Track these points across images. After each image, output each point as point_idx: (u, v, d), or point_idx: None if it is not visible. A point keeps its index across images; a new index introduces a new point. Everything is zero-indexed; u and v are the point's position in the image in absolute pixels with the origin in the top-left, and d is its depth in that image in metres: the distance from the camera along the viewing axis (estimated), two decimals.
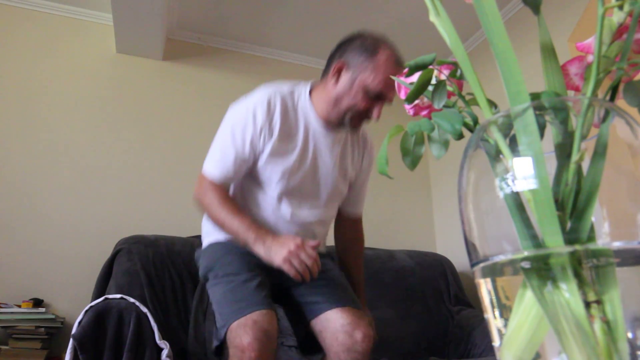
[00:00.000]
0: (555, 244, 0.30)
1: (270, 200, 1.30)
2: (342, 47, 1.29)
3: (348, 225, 1.54)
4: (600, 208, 0.31)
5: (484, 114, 0.37)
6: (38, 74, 2.20)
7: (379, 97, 1.21)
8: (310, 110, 1.30)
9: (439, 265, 2.33)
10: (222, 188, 1.27)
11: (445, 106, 0.42)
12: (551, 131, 0.34)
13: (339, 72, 1.25)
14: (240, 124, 1.25)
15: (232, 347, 1.08)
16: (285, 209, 1.30)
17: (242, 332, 1.06)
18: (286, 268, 1.12)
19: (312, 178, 1.32)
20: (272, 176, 1.28)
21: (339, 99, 1.24)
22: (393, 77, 1.08)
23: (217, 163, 1.27)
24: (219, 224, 1.24)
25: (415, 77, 0.42)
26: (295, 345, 1.51)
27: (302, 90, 1.33)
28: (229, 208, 1.22)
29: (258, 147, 1.25)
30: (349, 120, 1.25)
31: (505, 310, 0.33)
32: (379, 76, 1.19)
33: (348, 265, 1.51)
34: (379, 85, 1.19)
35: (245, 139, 1.24)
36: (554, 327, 0.29)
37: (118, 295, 1.30)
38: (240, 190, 1.35)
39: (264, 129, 1.24)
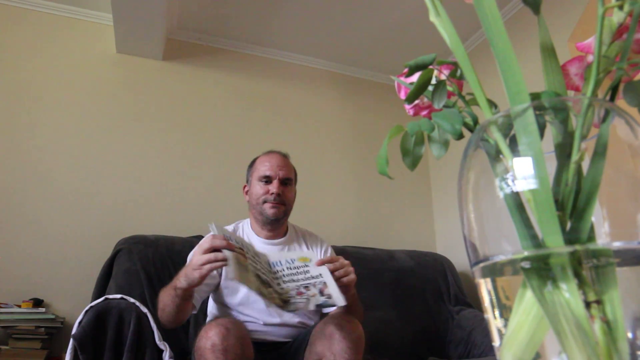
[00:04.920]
0: (555, 244, 0.30)
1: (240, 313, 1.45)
2: None
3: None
4: (600, 208, 0.31)
5: (484, 114, 0.37)
6: (38, 74, 2.19)
7: (269, 178, 1.52)
8: (251, 233, 1.57)
9: (439, 265, 2.33)
10: None
11: (445, 106, 0.42)
12: (551, 131, 0.34)
13: (246, 192, 1.61)
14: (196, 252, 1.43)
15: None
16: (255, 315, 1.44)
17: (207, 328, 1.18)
18: (205, 271, 1.13)
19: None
20: (232, 297, 1.44)
21: (252, 202, 1.55)
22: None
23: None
24: (168, 303, 1.25)
25: (415, 77, 0.42)
26: None
27: (245, 221, 1.63)
28: (165, 287, 1.30)
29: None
30: (266, 210, 1.50)
31: (505, 310, 0.33)
32: (261, 166, 1.54)
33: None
34: (263, 170, 1.52)
35: None
36: (554, 327, 0.29)
37: (118, 296, 1.30)
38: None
39: None
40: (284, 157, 1.60)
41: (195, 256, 1.15)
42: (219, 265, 1.12)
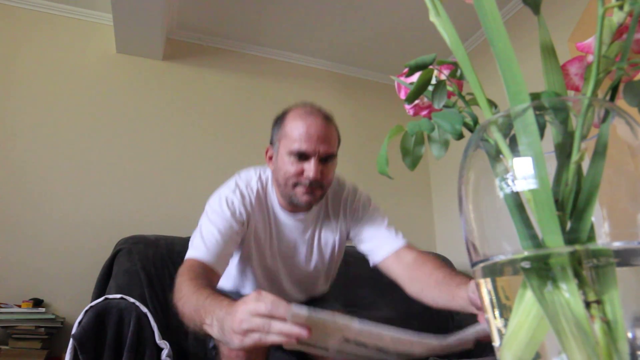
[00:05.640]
0: (555, 244, 0.30)
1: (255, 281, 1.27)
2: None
3: (404, 263, 1.25)
4: (600, 208, 0.31)
5: (484, 114, 0.37)
6: (37, 74, 2.20)
7: (304, 155, 1.11)
8: (274, 199, 1.24)
9: None
10: (197, 266, 1.05)
11: (445, 106, 0.42)
12: (551, 131, 0.34)
13: (270, 157, 1.22)
14: (217, 211, 1.17)
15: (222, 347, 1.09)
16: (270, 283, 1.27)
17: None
18: (250, 342, 0.69)
19: (285, 270, 1.28)
20: (247, 267, 1.25)
21: (277, 178, 1.18)
22: (316, 133, 1.10)
23: (196, 247, 1.10)
24: (192, 322, 0.92)
25: (415, 77, 0.42)
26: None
27: (268, 175, 1.26)
28: (193, 286, 0.97)
29: (234, 232, 1.14)
30: (298, 196, 1.15)
31: (505, 310, 0.33)
32: (295, 133, 1.11)
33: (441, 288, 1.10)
34: (298, 143, 1.11)
35: (223, 222, 1.14)
36: (554, 327, 0.29)
37: (118, 295, 1.30)
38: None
39: (240, 214, 1.16)
40: (326, 121, 1.14)
41: (242, 313, 0.70)
42: (270, 342, 0.68)
